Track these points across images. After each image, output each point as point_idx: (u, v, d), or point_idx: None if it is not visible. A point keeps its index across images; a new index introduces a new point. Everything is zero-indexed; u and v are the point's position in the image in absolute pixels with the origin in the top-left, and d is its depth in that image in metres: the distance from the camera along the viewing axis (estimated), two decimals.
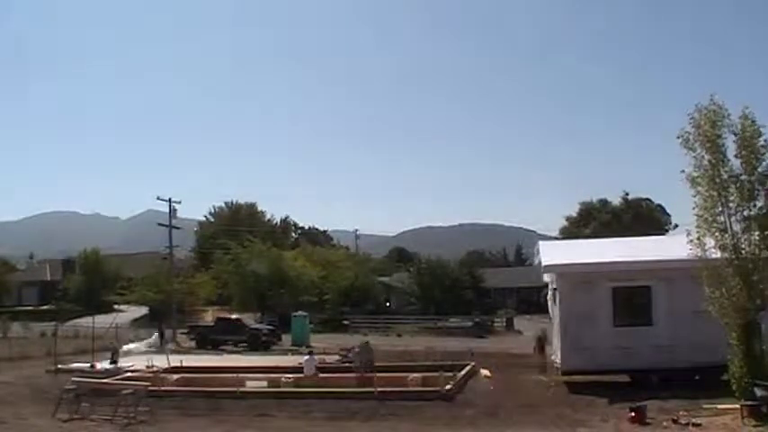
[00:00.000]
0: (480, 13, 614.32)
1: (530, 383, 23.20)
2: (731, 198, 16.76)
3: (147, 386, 20.18)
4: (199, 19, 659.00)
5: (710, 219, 16.80)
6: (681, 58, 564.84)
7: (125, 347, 35.88)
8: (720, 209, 16.78)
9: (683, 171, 17.16)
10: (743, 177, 16.74)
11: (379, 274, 75.33)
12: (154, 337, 39.68)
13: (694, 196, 17.09)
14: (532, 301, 60.32)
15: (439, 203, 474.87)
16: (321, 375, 24.32)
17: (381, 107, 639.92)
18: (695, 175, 16.98)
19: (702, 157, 16.87)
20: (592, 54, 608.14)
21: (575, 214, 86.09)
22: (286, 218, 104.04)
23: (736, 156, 16.82)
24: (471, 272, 74.27)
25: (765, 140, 16.71)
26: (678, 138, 17.12)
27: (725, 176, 16.74)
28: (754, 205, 16.72)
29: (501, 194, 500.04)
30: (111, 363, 28.29)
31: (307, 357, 25.14)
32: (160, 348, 35.86)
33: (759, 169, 16.69)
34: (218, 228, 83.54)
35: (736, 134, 16.80)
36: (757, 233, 16.66)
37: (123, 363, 28.89)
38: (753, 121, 16.76)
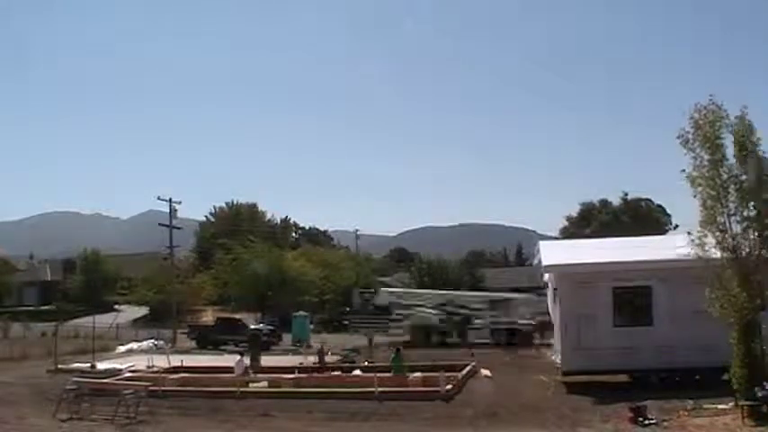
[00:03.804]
0: (480, 13, 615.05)
1: (530, 383, 23.20)
2: (731, 198, 16.76)
3: (148, 386, 20.20)
4: (198, 18, 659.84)
5: (710, 219, 16.80)
6: (682, 58, 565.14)
7: (122, 348, 35.88)
8: (720, 209, 16.78)
9: (683, 171, 17.16)
10: (742, 178, 16.75)
11: (380, 275, 75.35)
12: (148, 342, 39.21)
13: (694, 196, 17.11)
14: None
15: (439, 203, 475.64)
16: (318, 376, 24.42)
17: (381, 107, 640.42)
18: (695, 175, 16.98)
19: (702, 157, 16.87)
20: (592, 54, 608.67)
21: (575, 214, 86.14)
22: (286, 218, 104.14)
23: (734, 156, 16.83)
24: (471, 272, 74.33)
25: (758, 139, 16.72)
26: (678, 138, 17.12)
27: (724, 177, 16.73)
28: (753, 206, 16.72)
29: (501, 194, 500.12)
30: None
31: (238, 358, 25.75)
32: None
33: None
34: (218, 228, 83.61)
35: (734, 135, 16.81)
36: (757, 233, 16.66)
37: (123, 363, 28.90)
38: (748, 122, 16.78)
